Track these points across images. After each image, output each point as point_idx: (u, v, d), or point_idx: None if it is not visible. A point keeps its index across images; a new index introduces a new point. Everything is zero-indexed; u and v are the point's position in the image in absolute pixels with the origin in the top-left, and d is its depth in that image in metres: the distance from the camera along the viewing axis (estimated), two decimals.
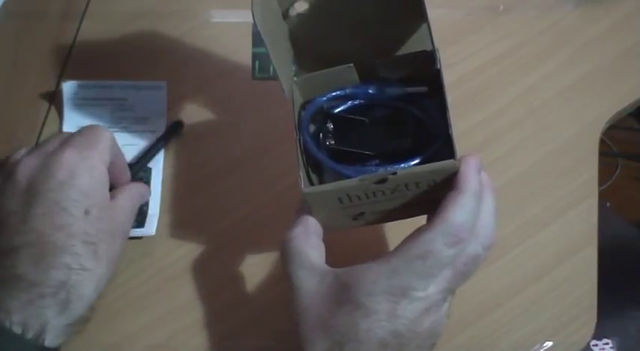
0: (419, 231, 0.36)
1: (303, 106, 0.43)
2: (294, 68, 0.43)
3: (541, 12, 0.63)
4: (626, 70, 0.60)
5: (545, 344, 0.46)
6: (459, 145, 0.36)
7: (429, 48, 0.41)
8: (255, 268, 0.49)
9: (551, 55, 0.60)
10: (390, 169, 0.37)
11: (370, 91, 0.43)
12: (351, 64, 0.42)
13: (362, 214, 0.39)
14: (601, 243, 0.50)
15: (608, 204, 1.22)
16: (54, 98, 0.57)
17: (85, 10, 0.64)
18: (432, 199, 0.37)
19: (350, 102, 0.43)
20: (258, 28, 0.36)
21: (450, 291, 0.36)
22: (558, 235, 0.50)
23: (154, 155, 0.53)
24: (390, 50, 0.44)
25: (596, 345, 0.95)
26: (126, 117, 0.55)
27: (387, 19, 0.42)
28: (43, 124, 0.56)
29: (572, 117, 0.57)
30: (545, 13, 0.63)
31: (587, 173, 0.54)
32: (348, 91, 0.43)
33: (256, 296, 0.48)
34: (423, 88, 0.42)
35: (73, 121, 0.55)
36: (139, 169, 0.52)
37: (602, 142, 0.56)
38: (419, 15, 0.42)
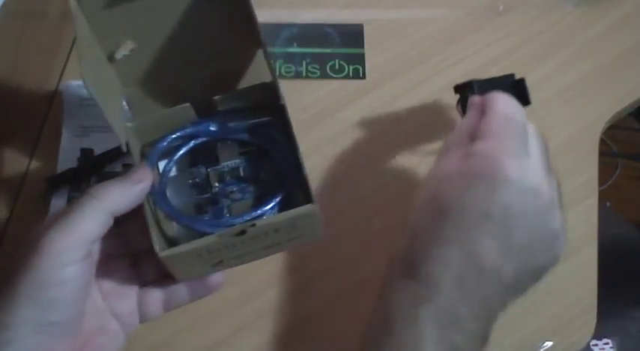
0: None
1: (142, 153, 0.40)
2: (129, 112, 0.41)
3: (541, 12, 0.64)
4: (626, 70, 0.60)
5: (545, 344, 0.46)
6: None
7: (268, 78, 0.40)
8: (256, 266, 0.49)
9: (551, 55, 0.60)
10: (246, 218, 0.36)
11: (212, 128, 0.40)
12: (188, 104, 0.39)
13: (221, 261, 0.37)
14: (601, 243, 0.50)
15: (608, 204, 1.22)
16: (54, 98, 0.57)
17: None
18: (292, 238, 0.36)
19: (192, 142, 0.41)
20: (89, 90, 0.34)
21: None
22: None
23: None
24: (229, 82, 0.42)
25: (596, 345, 0.95)
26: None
27: (220, 51, 0.41)
28: (43, 124, 0.56)
29: (572, 117, 0.57)
30: (545, 13, 0.63)
31: (587, 173, 0.54)
32: (188, 130, 0.40)
33: (257, 294, 0.48)
34: (266, 119, 0.40)
35: (73, 121, 0.55)
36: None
37: (602, 142, 0.56)
38: (253, 44, 0.41)
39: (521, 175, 0.36)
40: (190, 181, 0.40)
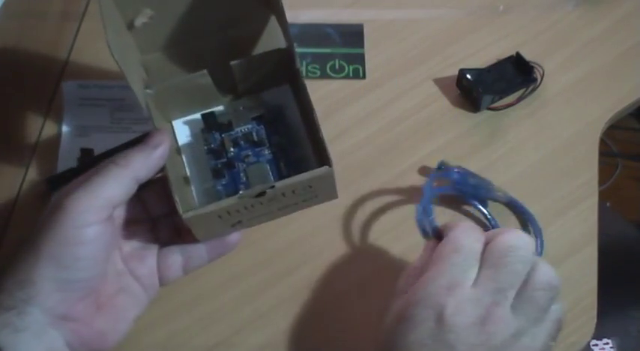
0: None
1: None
2: (147, 78, 0.42)
3: (541, 12, 0.64)
4: (626, 70, 0.60)
5: None
6: None
7: (282, 44, 0.41)
8: (255, 267, 0.49)
9: (551, 55, 0.60)
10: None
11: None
12: (205, 71, 0.41)
13: (240, 222, 0.39)
14: (601, 243, 0.50)
15: (608, 204, 1.22)
16: (54, 98, 0.57)
17: (85, 10, 0.64)
18: (308, 198, 0.38)
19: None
20: (115, 57, 0.35)
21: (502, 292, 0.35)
22: (558, 235, 0.50)
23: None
24: (244, 48, 0.44)
25: (596, 345, 0.94)
26: (125, 117, 0.55)
27: (235, 17, 0.42)
28: (43, 124, 0.56)
29: (572, 117, 0.57)
30: (545, 13, 0.63)
31: (587, 173, 0.54)
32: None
33: (257, 295, 0.48)
34: (278, 85, 0.42)
35: (73, 121, 0.55)
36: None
37: (602, 142, 0.56)
38: (268, 10, 0.42)
39: (453, 305, 0.34)
40: (206, 148, 0.41)
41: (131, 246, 0.41)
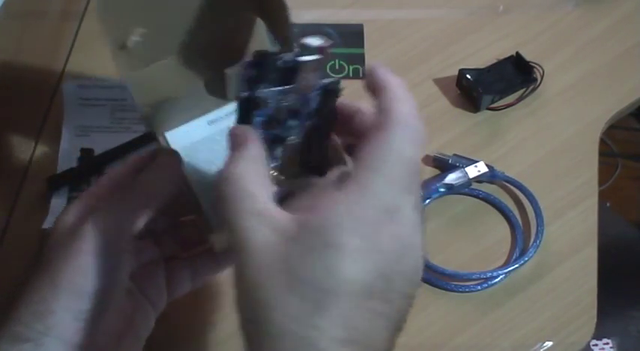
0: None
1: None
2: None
3: (541, 12, 0.64)
4: (626, 70, 0.60)
5: (545, 344, 0.46)
6: None
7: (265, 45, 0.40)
8: None
9: (551, 55, 0.60)
10: None
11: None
12: (201, 84, 0.39)
13: None
14: (601, 243, 0.50)
15: (608, 204, 1.22)
16: (54, 98, 0.57)
17: (85, 10, 0.64)
18: None
19: None
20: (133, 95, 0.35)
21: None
22: (558, 235, 0.50)
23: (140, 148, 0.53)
24: (238, 54, 0.42)
25: (596, 345, 0.95)
26: (126, 117, 0.55)
27: (226, 24, 0.41)
28: (43, 124, 0.56)
29: (572, 117, 0.57)
30: (545, 13, 0.63)
31: (587, 173, 0.54)
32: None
33: None
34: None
35: (73, 121, 0.55)
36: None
37: (602, 142, 0.56)
38: (256, 16, 0.41)
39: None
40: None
41: (138, 263, 0.39)
